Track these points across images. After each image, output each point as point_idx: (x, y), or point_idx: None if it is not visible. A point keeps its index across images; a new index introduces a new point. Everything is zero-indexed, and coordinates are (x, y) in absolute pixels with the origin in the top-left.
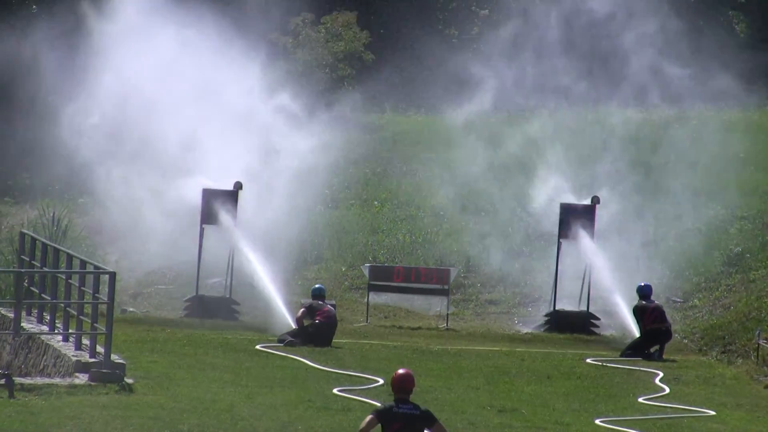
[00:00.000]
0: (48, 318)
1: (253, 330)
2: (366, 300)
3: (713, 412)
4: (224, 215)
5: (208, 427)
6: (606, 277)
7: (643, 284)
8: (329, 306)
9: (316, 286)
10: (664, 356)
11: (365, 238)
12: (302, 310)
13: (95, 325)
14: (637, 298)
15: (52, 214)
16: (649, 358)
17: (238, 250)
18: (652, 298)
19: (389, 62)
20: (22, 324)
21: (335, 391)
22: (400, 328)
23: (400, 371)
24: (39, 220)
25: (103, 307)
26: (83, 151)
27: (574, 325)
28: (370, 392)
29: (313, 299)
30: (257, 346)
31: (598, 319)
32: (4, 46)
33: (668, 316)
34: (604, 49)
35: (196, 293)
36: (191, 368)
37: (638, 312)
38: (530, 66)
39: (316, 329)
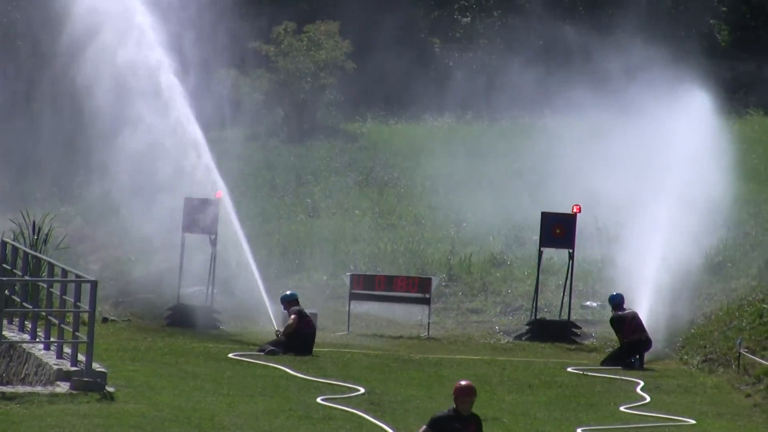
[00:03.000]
0: (29, 326)
1: (234, 339)
2: (347, 309)
3: (694, 421)
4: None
5: None
6: None
7: (615, 293)
8: (308, 314)
9: (290, 292)
10: (645, 365)
11: (347, 247)
12: (294, 317)
13: (77, 333)
14: (610, 308)
15: (32, 223)
16: (629, 366)
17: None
18: (624, 306)
19: (371, 71)
20: (4, 332)
21: (319, 400)
22: (382, 336)
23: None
24: (20, 229)
25: (84, 316)
26: (65, 160)
27: (556, 334)
28: (353, 401)
29: (289, 305)
30: (230, 355)
31: (579, 328)
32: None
33: (644, 324)
34: (582, 56)
35: (177, 302)
36: (172, 377)
37: (616, 323)
38: (511, 75)
39: (301, 338)
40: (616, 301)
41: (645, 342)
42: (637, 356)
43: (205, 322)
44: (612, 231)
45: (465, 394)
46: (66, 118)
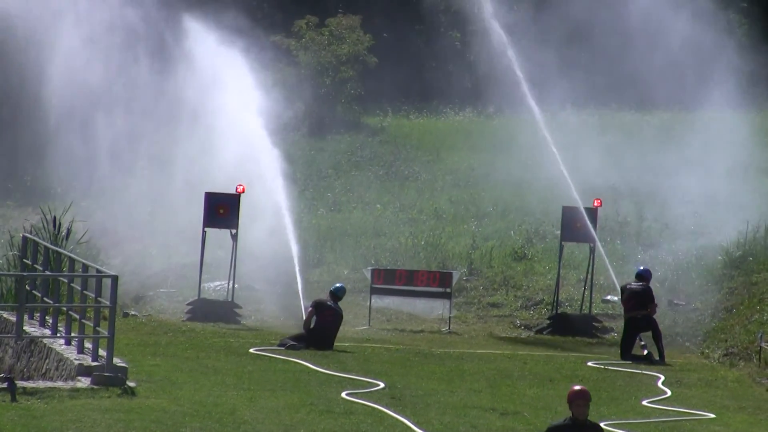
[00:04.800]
0: (50, 321)
1: (255, 334)
2: (368, 303)
3: (713, 415)
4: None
5: (211, 430)
6: None
7: (643, 267)
8: (335, 308)
9: (338, 285)
10: (666, 359)
11: (368, 241)
12: (309, 310)
13: (97, 328)
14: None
15: (53, 218)
16: (650, 360)
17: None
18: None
19: (392, 65)
20: (25, 327)
21: (343, 395)
22: (403, 331)
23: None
24: (41, 224)
25: (105, 311)
26: (85, 154)
27: (577, 328)
28: (374, 396)
29: (330, 298)
30: (251, 350)
31: (600, 322)
32: (5, 43)
33: (651, 300)
34: (606, 51)
35: (198, 297)
36: (193, 372)
37: (621, 295)
38: (533, 65)
39: (318, 332)
40: (638, 273)
41: (641, 320)
42: (640, 337)
43: (226, 316)
44: (633, 225)
45: (580, 397)
46: (86, 111)
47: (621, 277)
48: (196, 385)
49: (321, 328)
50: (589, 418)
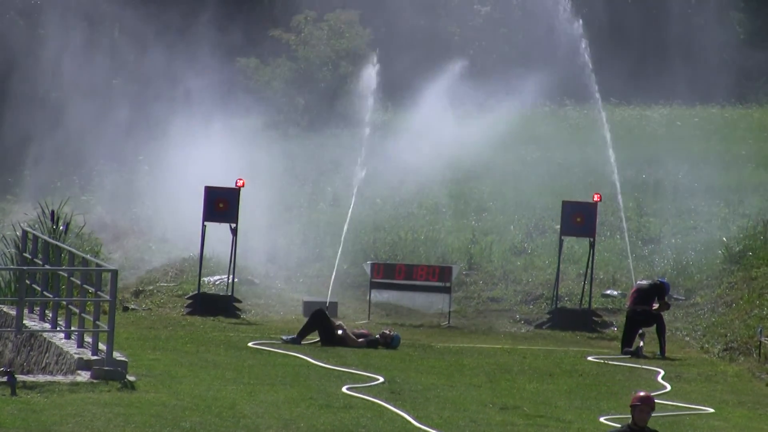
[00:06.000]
0: (50, 315)
1: (255, 328)
2: (368, 298)
3: (713, 410)
4: None
5: (210, 424)
6: None
7: (660, 279)
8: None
9: (398, 335)
10: (666, 354)
11: (367, 236)
12: (366, 340)
13: (97, 322)
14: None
15: (51, 212)
16: (641, 355)
17: None
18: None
19: (391, 60)
20: (24, 321)
21: (343, 389)
22: (402, 325)
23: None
24: (40, 218)
25: (105, 305)
26: (85, 148)
27: (577, 323)
28: (373, 390)
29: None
30: (250, 344)
31: (600, 316)
32: (6, 38)
33: (660, 298)
34: (603, 45)
35: (198, 291)
36: (193, 366)
37: None
38: (531, 64)
39: (337, 336)
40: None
41: (640, 314)
42: (642, 333)
43: (226, 311)
44: (633, 220)
45: (645, 402)
46: (85, 106)
47: (620, 272)
48: (196, 380)
49: (338, 340)
50: (588, 412)
